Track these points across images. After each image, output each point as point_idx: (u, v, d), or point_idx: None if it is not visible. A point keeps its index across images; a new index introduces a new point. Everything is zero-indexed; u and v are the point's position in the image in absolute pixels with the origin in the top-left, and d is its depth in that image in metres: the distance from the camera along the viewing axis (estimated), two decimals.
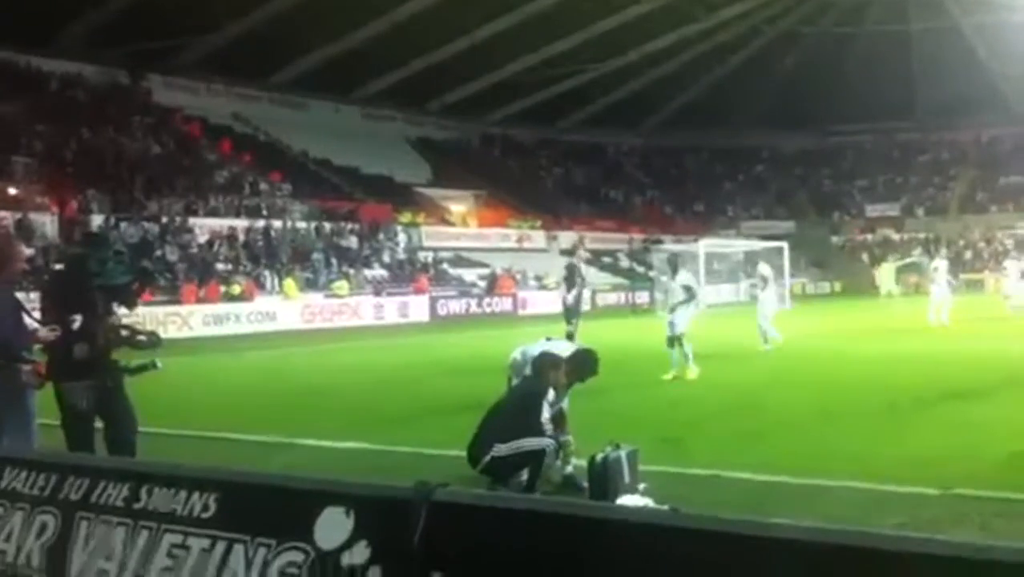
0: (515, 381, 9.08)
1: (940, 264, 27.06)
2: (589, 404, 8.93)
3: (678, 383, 15.25)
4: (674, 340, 15.91)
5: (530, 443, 7.49)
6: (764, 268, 21.74)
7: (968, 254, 62.52)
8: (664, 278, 16.57)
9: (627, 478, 7.33)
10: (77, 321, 6.95)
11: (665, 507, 5.72)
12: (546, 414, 7.75)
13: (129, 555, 3.48)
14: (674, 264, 17.39)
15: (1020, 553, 2.32)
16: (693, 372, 15.53)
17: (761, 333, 20.17)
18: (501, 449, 7.49)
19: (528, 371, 8.71)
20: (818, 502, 7.24)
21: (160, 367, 7.46)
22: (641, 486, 7.36)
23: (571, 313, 21.10)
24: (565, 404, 8.45)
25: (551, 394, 7.95)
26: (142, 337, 7.46)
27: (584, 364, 8.42)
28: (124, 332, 7.34)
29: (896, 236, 67.11)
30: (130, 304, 7.70)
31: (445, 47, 56.03)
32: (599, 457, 7.37)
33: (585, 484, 7.56)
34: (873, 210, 70.07)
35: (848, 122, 71.17)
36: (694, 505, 6.46)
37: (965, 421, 10.56)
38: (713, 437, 10.38)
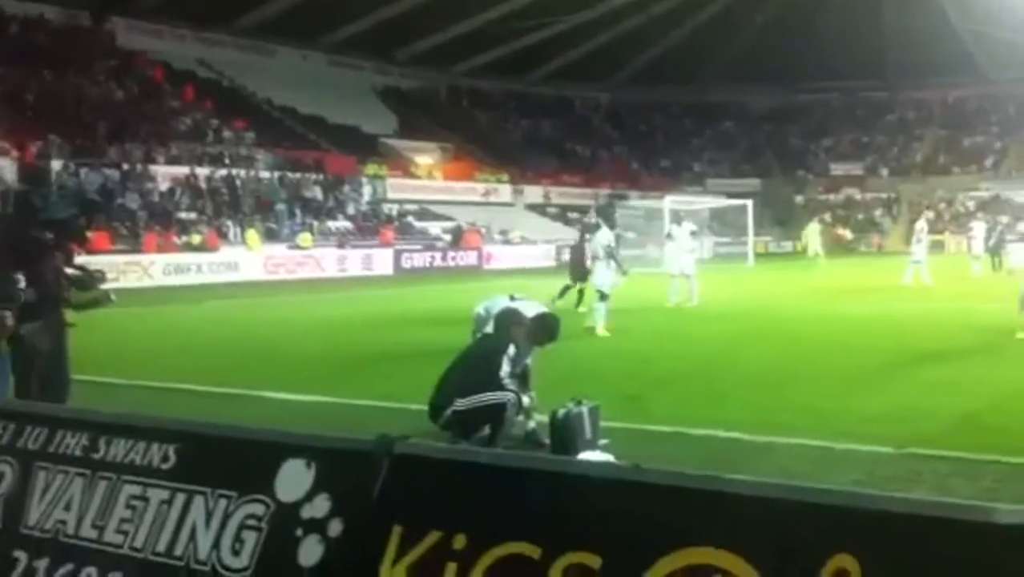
0: (477, 336, 9.08)
1: (922, 224, 27.54)
2: (552, 360, 8.95)
3: (642, 339, 15.32)
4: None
5: (491, 397, 7.50)
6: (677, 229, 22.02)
7: (930, 215, 63.04)
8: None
9: (588, 434, 7.38)
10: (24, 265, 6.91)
11: (625, 463, 5.76)
12: (506, 368, 7.75)
13: (87, 506, 3.46)
14: (594, 224, 17.59)
15: (974, 511, 2.35)
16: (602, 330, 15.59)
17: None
18: (462, 403, 7.50)
19: (490, 327, 8.70)
20: (777, 459, 7.33)
21: (114, 299, 7.40)
22: (602, 442, 7.41)
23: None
24: (530, 361, 8.46)
25: (511, 350, 7.95)
26: (85, 275, 7.37)
27: (545, 329, 8.42)
28: (72, 271, 7.27)
29: (859, 196, 67.56)
30: (79, 239, 7.62)
31: None
32: (561, 413, 7.41)
33: (547, 440, 7.59)
34: (837, 169, 70.37)
35: (817, 80, 71.16)
36: (656, 462, 6.51)
37: (923, 381, 10.71)
38: (676, 395, 10.45)
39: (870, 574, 2.31)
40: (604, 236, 16.98)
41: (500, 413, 7.50)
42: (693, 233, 21.92)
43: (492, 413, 7.50)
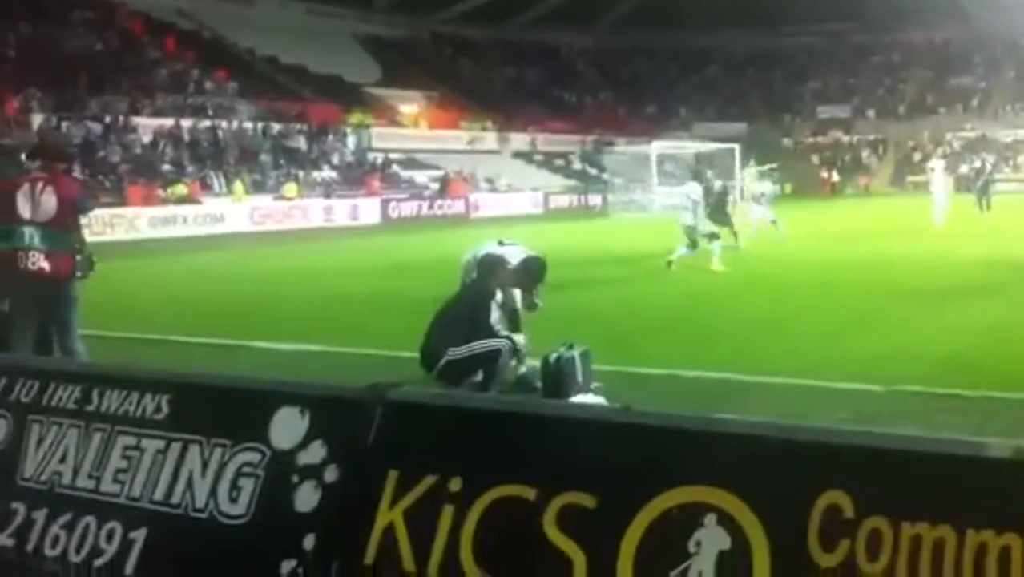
0: (466, 282, 9.08)
1: (937, 164, 27.58)
2: (544, 305, 8.96)
3: (633, 284, 15.36)
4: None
5: (485, 344, 7.53)
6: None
7: (917, 156, 63.07)
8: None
9: (580, 378, 7.41)
10: None
11: (617, 405, 5.80)
12: (495, 315, 7.77)
13: (83, 457, 3.47)
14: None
15: (964, 445, 2.38)
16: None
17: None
18: (456, 352, 7.51)
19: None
20: (767, 399, 7.38)
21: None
22: (594, 385, 7.45)
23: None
24: (519, 304, 8.47)
25: (499, 295, 7.95)
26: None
27: (529, 271, 8.43)
28: None
29: (846, 138, 67.48)
30: None
31: None
32: (552, 357, 7.44)
33: (539, 384, 7.63)
34: (824, 112, 70.19)
35: (800, 23, 70.76)
36: (647, 404, 6.55)
37: (911, 321, 10.77)
38: (667, 339, 10.49)
39: (862, 509, 2.34)
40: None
41: (494, 359, 7.52)
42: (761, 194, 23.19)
43: (486, 360, 7.53)
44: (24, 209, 6.94)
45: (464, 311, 7.89)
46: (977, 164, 33.47)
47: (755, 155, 25.28)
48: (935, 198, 26.35)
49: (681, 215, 17.99)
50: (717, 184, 21.18)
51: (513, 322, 8.13)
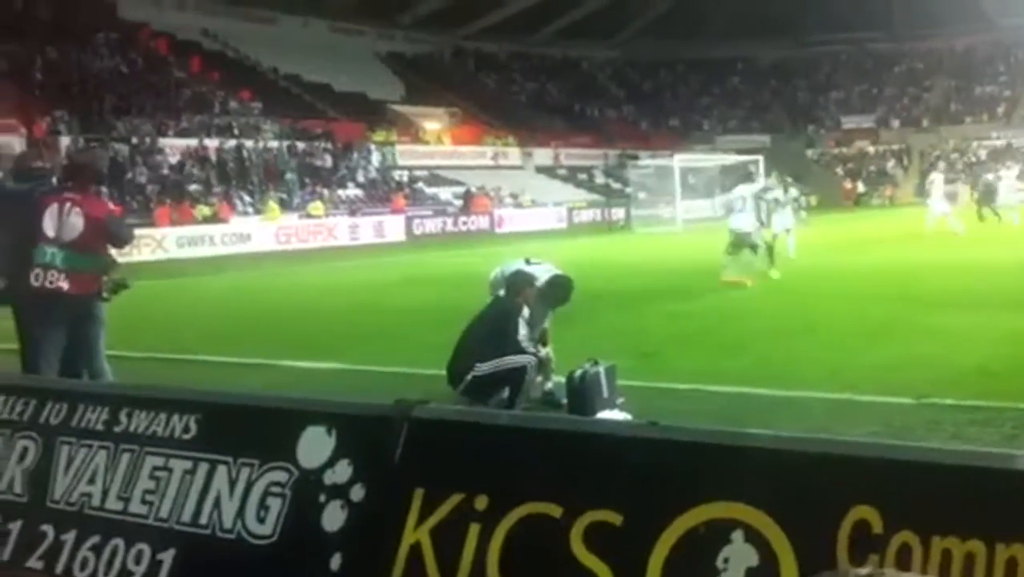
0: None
1: (936, 177, 28.55)
2: (568, 321, 8.96)
3: (656, 297, 15.32)
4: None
5: (511, 360, 7.52)
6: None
7: (942, 165, 62.69)
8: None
9: (606, 393, 7.39)
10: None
11: (643, 421, 5.78)
12: (523, 331, 7.76)
13: (112, 478, 3.49)
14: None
15: (995, 458, 2.36)
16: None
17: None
18: (483, 368, 7.51)
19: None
20: (793, 412, 7.33)
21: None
22: (619, 400, 7.43)
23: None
24: (547, 323, 8.46)
25: (526, 312, 7.95)
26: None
27: (557, 290, 8.42)
28: None
29: (871, 148, 67.13)
30: None
31: None
32: (578, 373, 7.42)
33: (564, 400, 7.61)
34: (848, 122, 69.87)
35: (822, 32, 70.61)
36: (673, 418, 6.53)
37: (939, 330, 10.68)
38: (692, 352, 10.45)
39: (891, 524, 2.33)
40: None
41: (520, 376, 7.52)
42: (796, 198, 23.26)
43: (512, 376, 7.52)
44: (49, 228, 6.98)
45: (492, 327, 7.88)
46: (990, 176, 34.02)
47: (775, 172, 25.29)
48: (930, 208, 27.06)
49: (735, 219, 17.89)
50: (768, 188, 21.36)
51: (542, 339, 8.11)
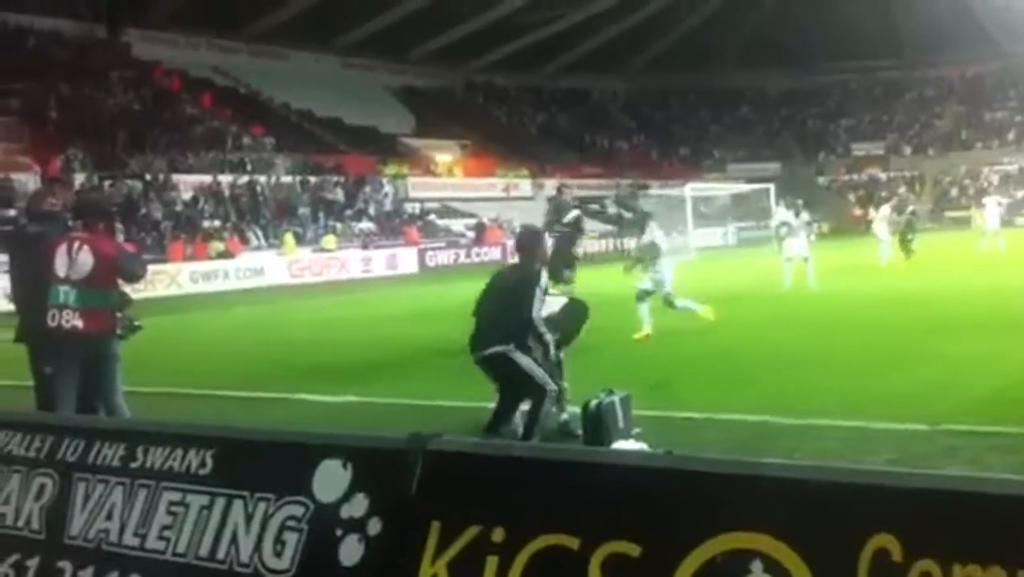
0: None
1: (883, 210, 28.35)
2: (582, 351, 8.95)
3: (670, 327, 15.27)
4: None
5: (539, 374, 7.47)
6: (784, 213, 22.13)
7: (954, 191, 62.63)
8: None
9: (621, 423, 7.37)
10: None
11: (659, 450, 5.76)
12: (538, 306, 7.59)
13: (129, 514, 3.50)
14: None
15: (1014, 485, 2.34)
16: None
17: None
18: (515, 356, 7.45)
19: None
20: (809, 441, 7.30)
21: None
22: (635, 431, 7.41)
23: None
24: (562, 353, 8.42)
25: (544, 280, 7.84)
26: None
27: (572, 317, 8.33)
28: None
29: (882, 175, 67.10)
30: None
31: None
32: (593, 403, 7.41)
33: (579, 431, 7.59)
34: (859, 149, 69.91)
35: (832, 61, 70.79)
36: (688, 448, 6.51)
37: (954, 357, 10.63)
38: (705, 381, 10.42)
39: (911, 552, 2.31)
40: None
41: (541, 395, 7.44)
42: (808, 223, 22.90)
43: (532, 389, 7.48)
44: (61, 268, 7.03)
45: (509, 299, 7.70)
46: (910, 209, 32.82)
47: (785, 199, 25.24)
48: (880, 238, 26.77)
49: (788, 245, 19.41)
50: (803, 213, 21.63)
51: (555, 371, 8.02)
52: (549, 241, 8.18)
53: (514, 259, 8.44)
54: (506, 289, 7.86)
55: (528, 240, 8.26)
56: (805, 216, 21.86)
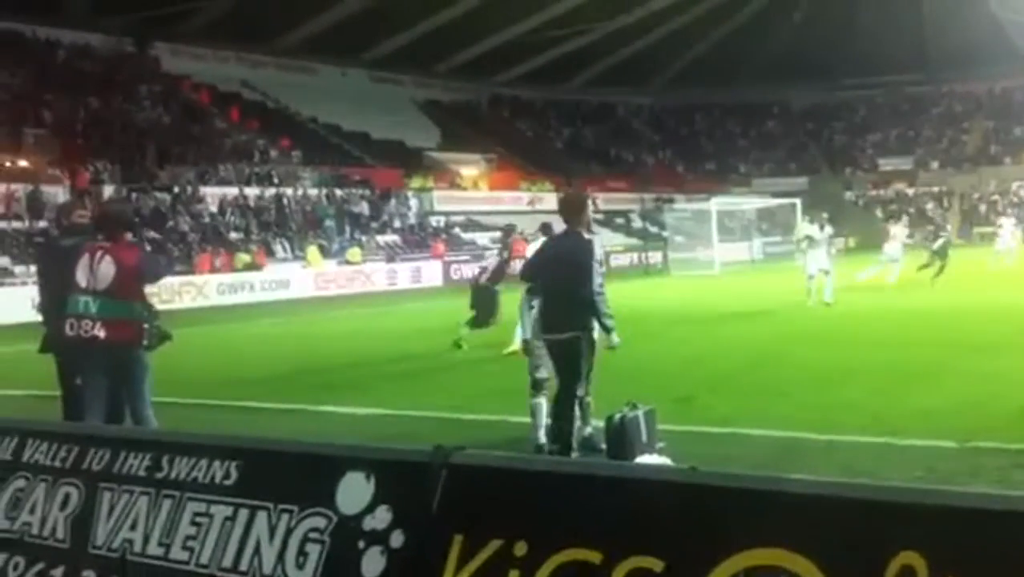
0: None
1: (898, 229, 27.48)
2: (606, 365, 8.91)
3: (695, 341, 15.24)
4: None
5: (590, 363, 7.56)
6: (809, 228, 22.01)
7: (982, 207, 62.14)
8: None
9: (645, 437, 7.35)
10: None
11: (683, 465, 5.73)
12: (599, 279, 7.46)
13: (153, 524, 3.51)
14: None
15: None
16: None
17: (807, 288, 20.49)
18: (585, 348, 7.46)
19: None
20: (836, 457, 7.26)
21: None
22: (659, 445, 7.38)
23: None
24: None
25: (598, 250, 7.70)
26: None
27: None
28: None
29: (910, 190, 66.69)
30: None
31: (451, 7, 55.59)
32: (616, 417, 7.39)
33: (603, 445, 7.57)
34: (886, 164, 69.48)
35: (859, 75, 70.46)
36: (712, 463, 6.48)
37: (981, 374, 10.55)
38: (731, 395, 10.38)
39: (937, 570, 2.29)
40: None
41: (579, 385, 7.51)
42: (831, 236, 22.93)
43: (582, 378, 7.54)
44: (82, 279, 7.06)
45: (576, 268, 7.46)
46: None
47: (809, 213, 25.10)
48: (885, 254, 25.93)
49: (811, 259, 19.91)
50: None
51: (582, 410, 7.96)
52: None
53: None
54: (569, 263, 7.55)
55: (573, 204, 7.92)
56: (829, 230, 21.70)
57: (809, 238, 21.04)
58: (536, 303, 8.04)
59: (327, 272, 37.70)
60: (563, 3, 58.66)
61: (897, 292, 22.81)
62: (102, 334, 6.99)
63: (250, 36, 52.52)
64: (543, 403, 8.03)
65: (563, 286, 7.53)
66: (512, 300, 9.62)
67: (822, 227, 21.21)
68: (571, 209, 7.78)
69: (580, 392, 7.56)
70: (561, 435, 7.39)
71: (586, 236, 7.67)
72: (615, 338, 7.56)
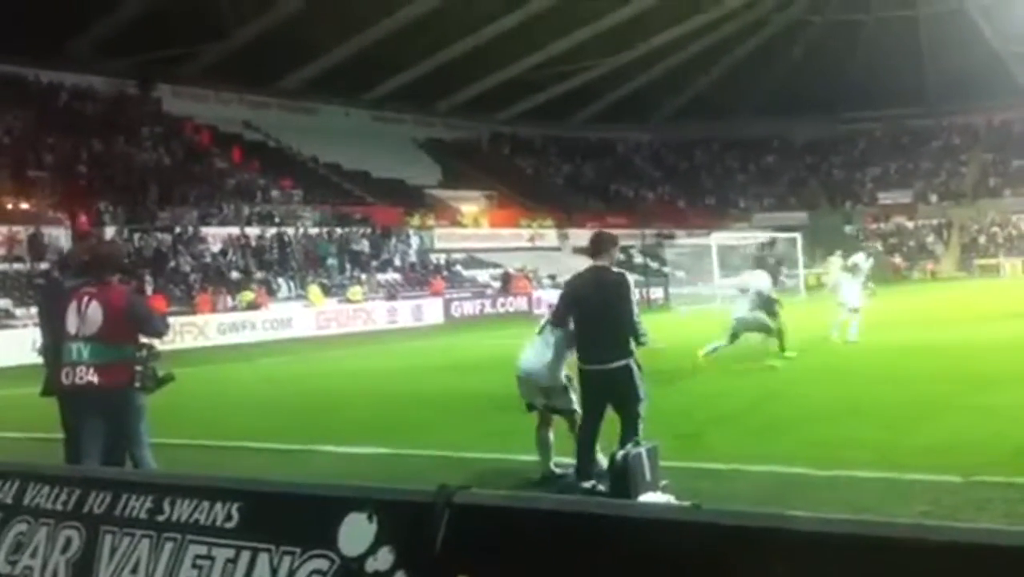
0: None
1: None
2: None
3: (699, 378, 15.21)
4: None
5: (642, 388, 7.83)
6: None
7: (982, 239, 62.24)
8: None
9: (648, 475, 7.31)
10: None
11: (687, 503, 5.70)
12: (636, 309, 7.81)
13: (155, 567, 3.49)
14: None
15: None
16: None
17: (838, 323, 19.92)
18: (637, 373, 7.71)
19: None
20: (840, 493, 7.22)
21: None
22: (662, 483, 7.34)
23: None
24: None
25: (630, 281, 7.93)
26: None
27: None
28: None
29: (909, 223, 66.81)
30: None
31: (452, 47, 56.03)
32: (620, 454, 7.35)
33: (606, 482, 7.54)
34: (886, 197, 69.67)
35: (857, 109, 70.85)
36: (716, 500, 6.45)
37: (986, 408, 10.51)
38: (734, 432, 10.35)
39: None
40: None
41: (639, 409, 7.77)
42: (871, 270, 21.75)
43: (637, 403, 7.79)
44: (72, 325, 7.00)
45: (617, 305, 7.77)
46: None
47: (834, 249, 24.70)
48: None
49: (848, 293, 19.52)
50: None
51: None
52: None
53: (588, 263, 8.18)
54: (608, 295, 7.82)
55: (605, 241, 8.11)
56: (870, 263, 20.98)
57: (855, 266, 20.40)
58: (556, 336, 8.15)
59: (328, 310, 37.71)
60: (562, 41, 59.11)
61: (900, 325, 22.75)
62: (96, 380, 6.92)
63: (252, 77, 52.91)
64: (551, 435, 8.19)
65: (605, 314, 7.75)
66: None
67: (869, 255, 20.75)
68: (604, 245, 8.07)
69: (643, 411, 7.75)
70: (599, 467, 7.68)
71: (622, 274, 7.99)
72: (660, 344, 8.09)
